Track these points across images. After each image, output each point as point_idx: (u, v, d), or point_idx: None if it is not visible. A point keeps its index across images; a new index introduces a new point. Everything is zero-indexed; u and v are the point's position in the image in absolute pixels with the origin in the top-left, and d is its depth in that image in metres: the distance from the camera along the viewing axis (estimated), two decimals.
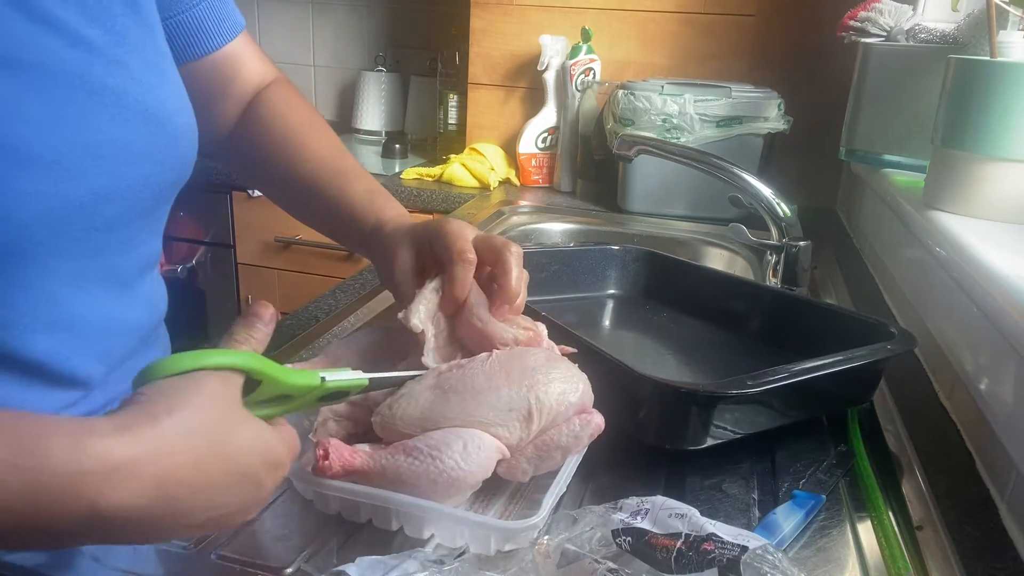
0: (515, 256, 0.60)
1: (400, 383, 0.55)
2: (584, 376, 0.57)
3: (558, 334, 0.71)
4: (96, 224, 0.55)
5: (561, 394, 0.54)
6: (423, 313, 0.58)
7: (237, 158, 0.78)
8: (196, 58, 0.70)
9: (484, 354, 0.56)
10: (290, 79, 0.80)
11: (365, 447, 0.52)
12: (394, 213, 0.69)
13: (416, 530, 0.51)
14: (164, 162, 0.59)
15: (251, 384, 0.44)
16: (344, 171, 0.72)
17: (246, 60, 0.75)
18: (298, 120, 0.74)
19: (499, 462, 0.53)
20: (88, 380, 0.57)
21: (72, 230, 0.53)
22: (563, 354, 0.60)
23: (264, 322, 0.47)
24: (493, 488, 0.56)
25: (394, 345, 0.61)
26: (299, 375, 0.47)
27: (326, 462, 0.50)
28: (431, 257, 0.62)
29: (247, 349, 0.46)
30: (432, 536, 0.52)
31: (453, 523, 0.50)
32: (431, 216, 0.84)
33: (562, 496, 0.56)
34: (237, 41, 0.73)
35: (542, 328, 0.61)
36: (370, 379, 0.51)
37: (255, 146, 0.75)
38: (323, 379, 0.48)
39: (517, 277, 0.60)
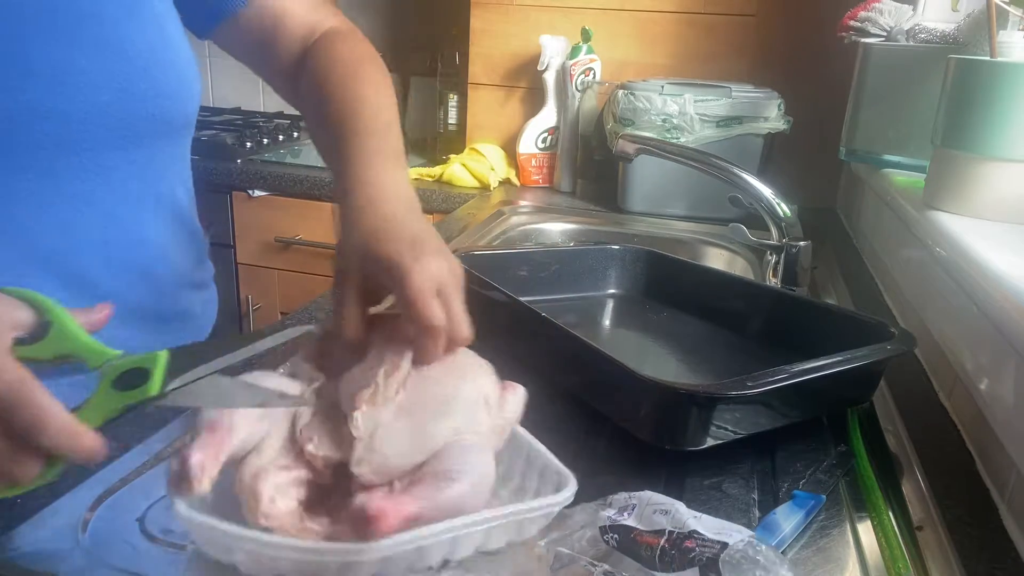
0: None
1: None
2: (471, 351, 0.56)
3: (558, 334, 0.72)
4: (41, 142, 0.56)
5: (487, 376, 0.54)
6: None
7: (305, 114, 0.76)
8: (233, 13, 0.72)
9: (403, 370, 0.52)
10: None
11: (401, 497, 0.46)
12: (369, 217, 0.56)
13: (466, 547, 0.49)
14: (129, 92, 0.60)
15: (42, 330, 0.42)
16: (362, 132, 0.64)
17: (289, 12, 0.74)
18: (328, 79, 0.70)
19: None
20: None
21: (13, 145, 0.55)
22: None
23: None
24: None
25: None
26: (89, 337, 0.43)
27: (387, 523, 0.43)
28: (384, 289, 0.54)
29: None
30: None
31: (498, 522, 0.48)
32: (431, 217, 0.81)
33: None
34: None
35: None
36: (170, 352, 0.44)
37: (307, 107, 0.73)
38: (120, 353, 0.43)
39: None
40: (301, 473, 0.49)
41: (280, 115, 2.12)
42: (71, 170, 0.59)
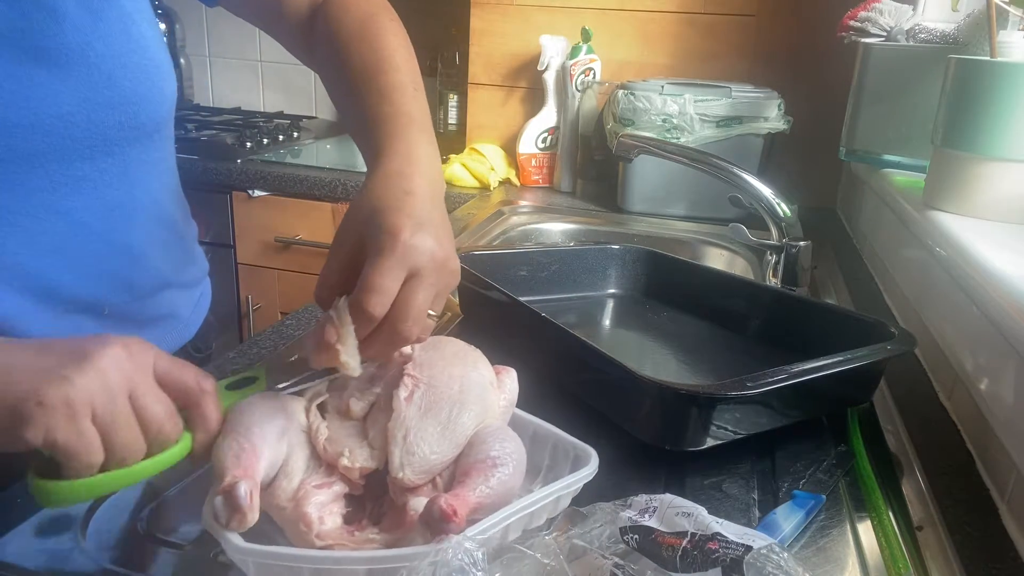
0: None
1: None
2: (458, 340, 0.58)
3: (558, 334, 0.71)
4: (5, 156, 0.56)
5: (484, 361, 0.57)
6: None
7: (321, 73, 0.74)
8: None
9: (409, 373, 0.53)
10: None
11: (461, 491, 0.47)
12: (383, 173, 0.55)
13: (516, 530, 0.50)
14: (93, 101, 0.59)
15: None
16: (376, 92, 0.64)
17: None
18: (345, 36, 0.68)
19: None
20: (13, 316, 0.58)
21: None
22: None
23: None
24: None
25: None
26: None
27: (457, 516, 0.44)
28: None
29: None
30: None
31: (544, 502, 0.50)
32: None
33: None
34: None
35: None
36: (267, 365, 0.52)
37: (323, 66, 0.71)
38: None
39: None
40: (337, 488, 0.50)
41: (280, 115, 2.12)
42: (39, 181, 0.58)
